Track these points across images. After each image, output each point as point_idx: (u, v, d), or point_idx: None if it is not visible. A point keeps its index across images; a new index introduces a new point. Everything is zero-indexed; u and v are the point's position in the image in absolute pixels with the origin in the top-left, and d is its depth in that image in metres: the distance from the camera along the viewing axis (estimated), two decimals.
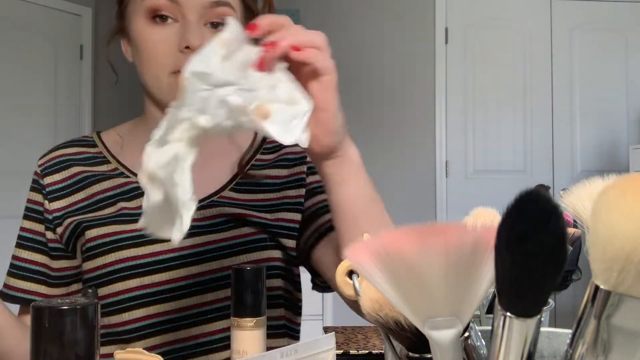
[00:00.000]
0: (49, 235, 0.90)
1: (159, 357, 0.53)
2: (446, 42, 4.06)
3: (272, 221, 0.90)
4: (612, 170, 0.45)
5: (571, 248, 0.57)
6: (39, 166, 0.92)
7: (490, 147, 4.07)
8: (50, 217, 0.89)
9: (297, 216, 0.92)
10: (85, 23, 3.94)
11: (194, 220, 0.85)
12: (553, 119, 4.10)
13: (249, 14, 0.87)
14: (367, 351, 0.70)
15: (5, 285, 0.90)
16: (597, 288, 0.32)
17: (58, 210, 0.89)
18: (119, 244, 0.85)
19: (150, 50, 0.83)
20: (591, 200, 0.33)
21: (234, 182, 0.92)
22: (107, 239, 0.85)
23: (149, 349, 0.83)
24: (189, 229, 0.71)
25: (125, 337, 0.84)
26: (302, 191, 0.93)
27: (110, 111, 4.04)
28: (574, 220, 0.42)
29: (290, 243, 0.91)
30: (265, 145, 0.97)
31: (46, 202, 0.90)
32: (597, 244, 0.31)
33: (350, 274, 0.52)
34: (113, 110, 4.04)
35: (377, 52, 4.03)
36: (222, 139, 0.95)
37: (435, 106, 4.04)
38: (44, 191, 0.91)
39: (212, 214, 0.88)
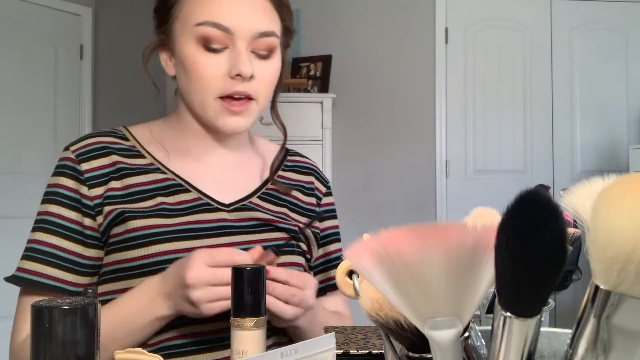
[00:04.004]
0: (88, 222, 0.88)
1: (159, 357, 0.53)
2: (446, 42, 4.06)
3: (298, 228, 0.97)
4: (612, 170, 0.45)
5: (571, 248, 0.57)
6: (73, 152, 0.91)
7: (490, 147, 4.07)
8: (91, 203, 0.88)
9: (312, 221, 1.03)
10: (85, 23, 3.94)
11: (229, 220, 0.93)
12: (553, 119, 4.10)
13: (287, 33, 0.96)
14: (367, 351, 0.70)
15: (28, 271, 0.87)
16: (597, 288, 0.32)
17: (98, 197, 0.89)
18: (161, 237, 0.86)
19: (200, 75, 0.87)
20: (591, 200, 0.33)
21: (261, 191, 0.98)
22: (149, 231, 0.86)
23: (179, 337, 0.86)
24: (225, 228, 0.91)
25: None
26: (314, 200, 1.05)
27: (110, 111, 4.04)
28: (574, 220, 0.42)
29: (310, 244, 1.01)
30: (286, 162, 1.06)
31: (85, 188, 0.88)
32: (597, 244, 0.31)
33: (350, 274, 0.52)
34: (113, 110, 4.04)
35: (377, 52, 4.03)
36: (247, 149, 1.02)
37: (435, 106, 4.04)
38: (81, 177, 0.89)
39: (245, 216, 0.93)
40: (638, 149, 3.62)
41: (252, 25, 0.87)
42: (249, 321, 0.60)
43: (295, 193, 1.02)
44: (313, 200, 1.04)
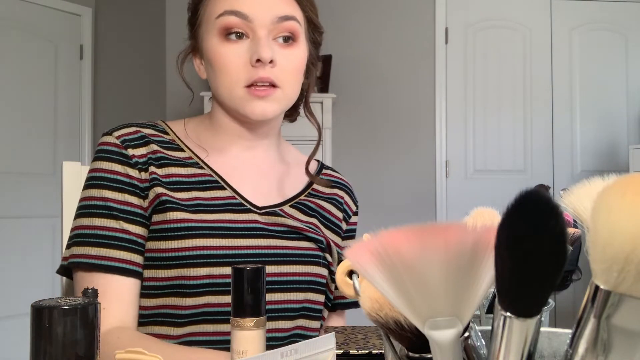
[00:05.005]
0: (142, 203, 0.89)
1: (159, 357, 0.53)
2: (446, 42, 4.06)
3: (325, 240, 0.98)
4: (612, 170, 0.45)
5: (571, 248, 0.57)
6: (117, 138, 0.91)
7: (490, 147, 4.07)
8: (142, 185, 0.89)
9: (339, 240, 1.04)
10: (85, 23, 3.94)
11: (262, 222, 0.93)
12: (553, 119, 4.10)
13: (312, 27, 0.96)
14: (367, 351, 0.70)
15: (93, 256, 0.86)
16: (597, 288, 0.32)
17: (147, 181, 0.90)
18: (197, 232, 0.88)
19: (224, 66, 0.89)
20: (591, 200, 0.33)
21: (294, 200, 0.99)
22: (186, 225, 0.88)
23: (204, 334, 0.87)
24: (258, 230, 0.91)
25: (182, 321, 0.87)
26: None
27: (110, 111, 4.04)
28: (574, 220, 0.42)
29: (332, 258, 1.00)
30: (320, 175, 1.06)
31: (135, 171, 0.89)
32: (597, 244, 0.31)
33: (350, 274, 0.52)
34: (113, 110, 4.04)
35: (377, 52, 4.03)
36: (276, 152, 1.02)
37: (435, 106, 4.04)
38: (130, 161, 0.89)
39: (277, 222, 0.94)
40: (638, 149, 3.62)
41: (270, 11, 0.89)
42: (249, 321, 0.60)
43: (327, 206, 1.03)
44: (340, 214, 1.05)
